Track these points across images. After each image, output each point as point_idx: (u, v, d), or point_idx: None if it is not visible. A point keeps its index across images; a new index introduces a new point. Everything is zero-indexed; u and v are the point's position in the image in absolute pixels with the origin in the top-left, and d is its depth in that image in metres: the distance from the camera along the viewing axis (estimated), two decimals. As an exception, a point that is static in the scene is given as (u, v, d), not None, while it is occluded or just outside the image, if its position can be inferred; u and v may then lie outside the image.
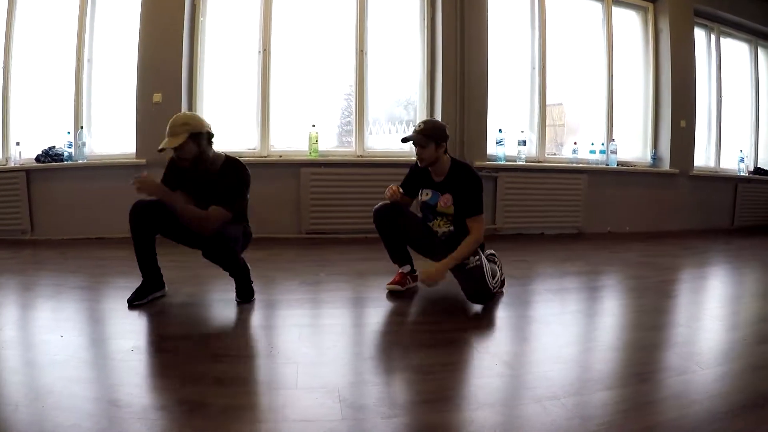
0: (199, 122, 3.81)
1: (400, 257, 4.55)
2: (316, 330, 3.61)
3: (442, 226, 4.26)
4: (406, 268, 4.56)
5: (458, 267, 4.07)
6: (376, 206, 4.45)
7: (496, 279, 4.13)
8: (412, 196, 4.51)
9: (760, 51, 10.33)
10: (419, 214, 4.45)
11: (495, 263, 4.31)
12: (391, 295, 4.37)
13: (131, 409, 2.32)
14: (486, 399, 2.64)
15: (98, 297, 4.21)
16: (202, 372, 2.78)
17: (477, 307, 3.99)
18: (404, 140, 4.25)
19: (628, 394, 2.71)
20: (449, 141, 4.29)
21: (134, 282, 3.94)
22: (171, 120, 3.78)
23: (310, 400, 2.50)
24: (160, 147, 3.75)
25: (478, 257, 4.05)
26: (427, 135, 4.10)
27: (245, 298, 3.98)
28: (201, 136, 3.79)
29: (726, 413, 2.49)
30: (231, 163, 3.97)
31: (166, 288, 4.09)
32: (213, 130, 3.91)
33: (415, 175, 4.46)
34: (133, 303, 3.80)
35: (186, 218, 3.76)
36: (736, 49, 10.11)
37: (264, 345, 3.34)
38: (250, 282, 4.06)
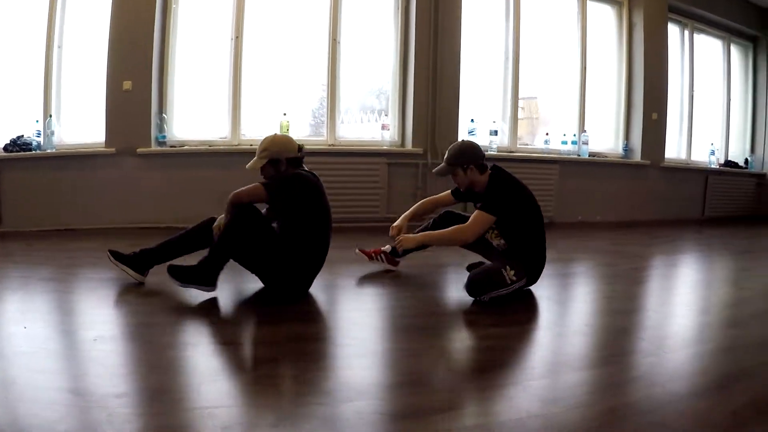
0: (280, 148, 3.89)
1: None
2: (289, 317, 3.56)
3: (494, 238, 4.16)
4: (387, 248, 4.71)
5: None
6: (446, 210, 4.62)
7: (498, 293, 4.02)
8: (460, 199, 4.55)
9: (732, 47, 10.52)
10: None
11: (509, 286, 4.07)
12: (360, 279, 4.49)
13: (92, 398, 2.31)
14: (451, 383, 2.67)
15: (66, 288, 4.15)
16: (165, 360, 2.78)
17: (447, 295, 3.98)
18: (436, 173, 4.27)
19: (594, 377, 2.77)
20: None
21: (103, 273, 3.92)
22: (262, 139, 3.98)
23: (270, 387, 2.54)
24: (247, 166, 3.93)
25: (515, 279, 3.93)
26: (450, 163, 4.13)
27: (187, 275, 3.72)
28: (279, 162, 3.87)
29: (689, 394, 2.55)
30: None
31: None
32: (299, 153, 3.97)
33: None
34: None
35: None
36: (709, 45, 10.27)
37: (228, 333, 3.34)
38: (213, 269, 3.74)
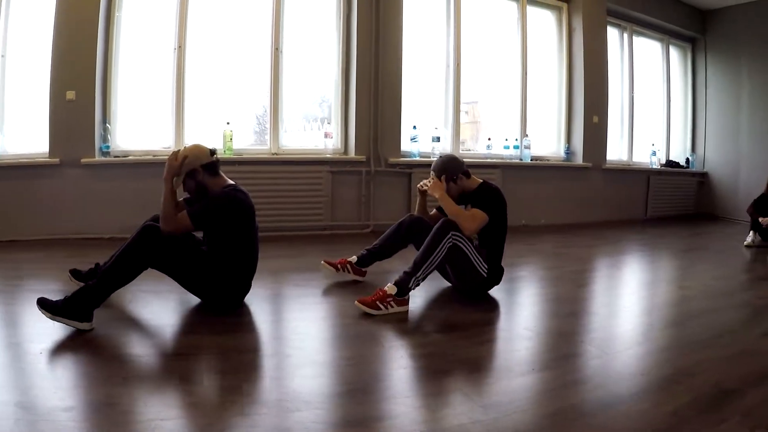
0: (192, 158, 3.80)
1: (375, 255, 4.73)
2: (234, 328, 3.59)
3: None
4: (353, 259, 4.73)
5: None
6: (415, 216, 4.69)
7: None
8: None
9: (671, 49, 10.78)
10: None
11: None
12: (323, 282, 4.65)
13: (38, 411, 2.33)
14: (394, 391, 2.74)
15: (10, 300, 4.08)
16: (111, 373, 2.78)
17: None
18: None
19: (537, 381, 2.85)
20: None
21: (48, 284, 3.86)
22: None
23: (215, 399, 2.60)
24: (170, 157, 3.81)
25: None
26: (438, 172, 4.38)
27: (63, 310, 3.32)
28: (195, 172, 3.82)
29: (632, 395, 2.65)
30: (221, 189, 3.91)
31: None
32: (212, 157, 3.89)
33: (460, 196, 4.54)
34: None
35: (162, 204, 3.67)
36: (648, 47, 10.51)
37: (173, 345, 3.37)
38: (95, 300, 3.41)
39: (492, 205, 4.23)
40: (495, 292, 4.47)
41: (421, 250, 4.04)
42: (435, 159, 4.53)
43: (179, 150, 3.85)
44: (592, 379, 2.88)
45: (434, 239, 3.98)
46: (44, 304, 3.31)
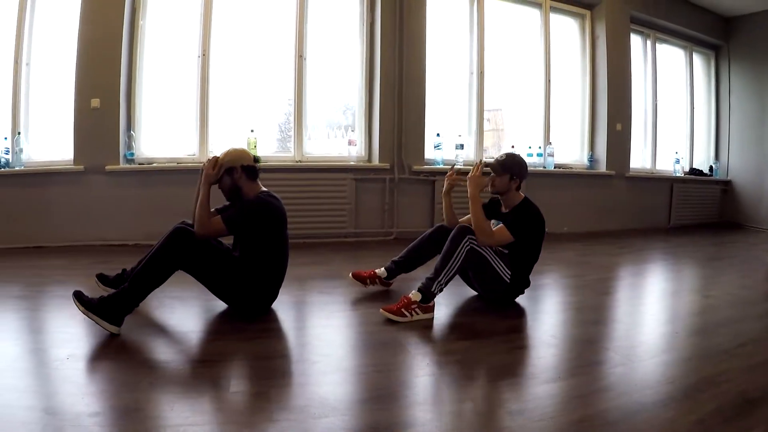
0: (234, 157, 3.89)
1: (402, 267, 4.72)
2: (260, 334, 3.59)
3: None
4: (382, 273, 4.71)
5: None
6: (439, 225, 4.68)
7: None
8: None
9: (695, 56, 10.66)
10: None
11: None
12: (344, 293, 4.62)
13: (65, 417, 2.35)
14: (421, 398, 2.75)
15: (35, 306, 4.12)
16: (137, 378, 2.80)
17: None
18: (486, 165, 4.35)
19: (562, 388, 2.84)
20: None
21: (72, 290, 3.88)
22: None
23: (242, 405, 2.61)
24: (207, 164, 3.91)
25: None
26: (504, 165, 4.29)
27: (97, 308, 3.38)
28: (233, 170, 3.87)
29: (656, 403, 2.63)
30: (256, 195, 3.92)
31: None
32: (256, 164, 3.97)
33: (492, 203, 4.58)
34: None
35: (197, 208, 3.72)
36: (671, 55, 10.43)
37: (199, 351, 3.37)
38: (128, 304, 3.46)
39: (527, 225, 4.20)
40: (519, 300, 4.47)
41: (441, 255, 4.04)
42: (502, 155, 4.39)
43: (217, 157, 3.91)
44: (617, 386, 2.86)
45: (452, 244, 3.98)
46: (80, 298, 3.37)
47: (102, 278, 4.31)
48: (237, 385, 2.83)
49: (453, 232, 4.06)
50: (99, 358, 3.10)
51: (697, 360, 3.31)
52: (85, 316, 3.35)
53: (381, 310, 3.91)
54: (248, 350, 3.30)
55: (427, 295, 3.92)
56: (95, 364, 3.04)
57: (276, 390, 2.75)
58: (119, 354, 3.16)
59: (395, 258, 4.73)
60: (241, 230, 3.83)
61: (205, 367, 3.04)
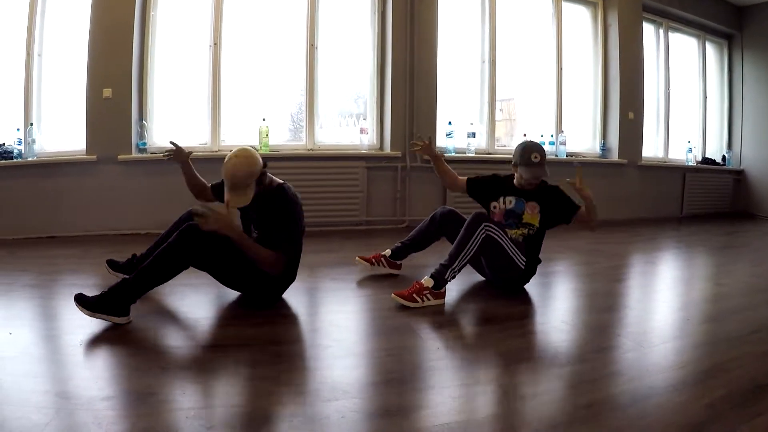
0: (255, 161, 3.60)
1: (409, 248, 4.76)
2: (272, 320, 3.61)
3: (519, 237, 4.31)
4: (387, 253, 4.75)
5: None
6: (447, 208, 4.73)
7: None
8: (471, 193, 4.69)
9: (707, 45, 10.60)
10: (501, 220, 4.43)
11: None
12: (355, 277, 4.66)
13: (78, 401, 2.37)
14: (432, 382, 2.74)
15: (48, 294, 4.14)
16: (150, 363, 2.83)
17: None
18: (544, 176, 4.42)
19: (573, 372, 2.85)
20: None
21: (86, 279, 3.88)
22: (230, 172, 3.55)
23: (253, 389, 2.62)
24: (231, 205, 3.60)
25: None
26: (546, 163, 4.38)
27: (100, 306, 3.32)
28: (263, 175, 3.69)
29: (667, 388, 2.64)
30: (280, 195, 3.77)
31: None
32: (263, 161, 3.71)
33: (495, 181, 4.60)
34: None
35: (250, 254, 3.57)
36: (684, 44, 10.36)
37: (211, 336, 3.38)
38: (132, 295, 3.40)
39: (556, 196, 4.45)
40: (530, 286, 4.47)
41: (455, 242, 4.04)
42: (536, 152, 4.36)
43: (215, 212, 3.46)
44: (628, 371, 2.87)
45: (468, 231, 3.99)
46: (82, 302, 3.32)
47: (112, 264, 4.35)
48: (248, 369, 2.84)
49: (468, 219, 4.07)
50: (111, 344, 3.11)
51: (709, 346, 3.32)
52: (92, 318, 3.32)
53: (392, 295, 3.92)
54: (260, 336, 3.31)
55: (440, 282, 3.93)
56: (108, 350, 3.05)
57: (287, 374, 2.77)
58: (131, 339, 3.18)
59: (402, 240, 4.77)
60: (299, 246, 3.88)
61: (217, 352, 3.06)
